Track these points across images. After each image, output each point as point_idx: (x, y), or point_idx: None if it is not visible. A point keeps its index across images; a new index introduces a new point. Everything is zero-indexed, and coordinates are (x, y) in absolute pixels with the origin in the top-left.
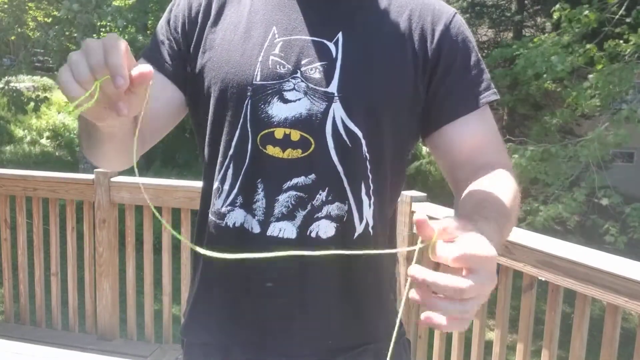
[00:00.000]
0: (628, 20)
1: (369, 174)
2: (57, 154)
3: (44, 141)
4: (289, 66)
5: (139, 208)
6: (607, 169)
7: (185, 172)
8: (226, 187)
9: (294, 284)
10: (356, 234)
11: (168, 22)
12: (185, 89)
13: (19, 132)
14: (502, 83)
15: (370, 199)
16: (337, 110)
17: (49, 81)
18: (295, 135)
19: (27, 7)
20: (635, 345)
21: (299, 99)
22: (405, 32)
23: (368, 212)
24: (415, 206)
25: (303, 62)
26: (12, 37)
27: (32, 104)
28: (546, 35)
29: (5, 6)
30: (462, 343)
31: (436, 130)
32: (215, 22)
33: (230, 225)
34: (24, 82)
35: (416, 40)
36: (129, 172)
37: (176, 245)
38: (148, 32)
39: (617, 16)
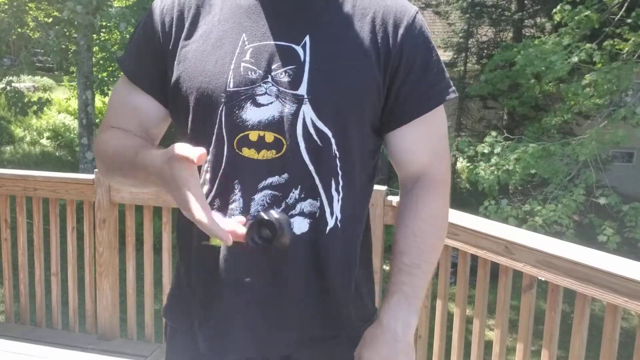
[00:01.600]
0: (629, 21)
1: (339, 170)
2: (57, 154)
3: (44, 141)
4: (260, 71)
5: (139, 208)
6: (606, 169)
7: None
8: (205, 190)
9: (270, 277)
10: (328, 229)
11: (141, 34)
12: (160, 98)
13: (19, 132)
14: (501, 85)
15: (339, 195)
16: (307, 112)
17: (49, 81)
18: (269, 137)
19: (27, 8)
20: (635, 345)
21: (271, 103)
22: (369, 34)
23: (337, 207)
24: None
25: (273, 66)
26: (13, 37)
27: (34, 107)
28: (546, 36)
29: (6, 6)
30: (462, 343)
31: (392, 131)
32: (189, 34)
33: None
34: (25, 83)
35: (379, 42)
36: None
37: (176, 245)
38: None
39: (617, 17)
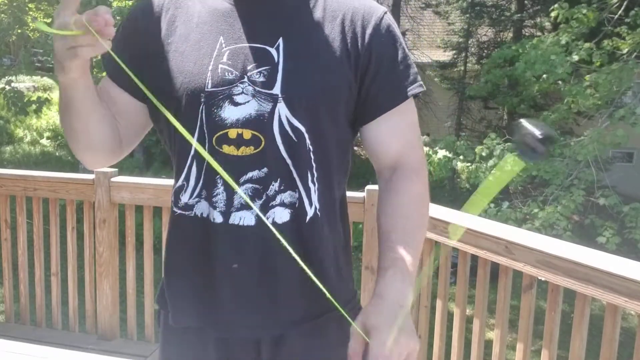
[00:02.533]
0: (627, 20)
1: (313, 163)
2: (57, 154)
3: (44, 141)
4: (237, 72)
5: (139, 208)
6: (607, 169)
7: None
8: (191, 183)
9: (258, 263)
10: (308, 218)
11: (121, 36)
12: (139, 97)
13: (19, 132)
14: (501, 82)
15: (315, 185)
16: (282, 110)
17: (49, 81)
18: (247, 134)
19: (27, 8)
20: (635, 345)
21: (248, 102)
22: (339, 35)
23: (315, 197)
24: None
25: (249, 67)
26: (13, 38)
27: (34, 106)
28: (545, 35)
29: (5, 7)
30: (462, 343)
31: (365, 124)
32: (168, 35)
33: (199, 215)
34: (25, 82)
35: (349, 42)
36: (129, 172)
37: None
38: None
39: (616, 16)
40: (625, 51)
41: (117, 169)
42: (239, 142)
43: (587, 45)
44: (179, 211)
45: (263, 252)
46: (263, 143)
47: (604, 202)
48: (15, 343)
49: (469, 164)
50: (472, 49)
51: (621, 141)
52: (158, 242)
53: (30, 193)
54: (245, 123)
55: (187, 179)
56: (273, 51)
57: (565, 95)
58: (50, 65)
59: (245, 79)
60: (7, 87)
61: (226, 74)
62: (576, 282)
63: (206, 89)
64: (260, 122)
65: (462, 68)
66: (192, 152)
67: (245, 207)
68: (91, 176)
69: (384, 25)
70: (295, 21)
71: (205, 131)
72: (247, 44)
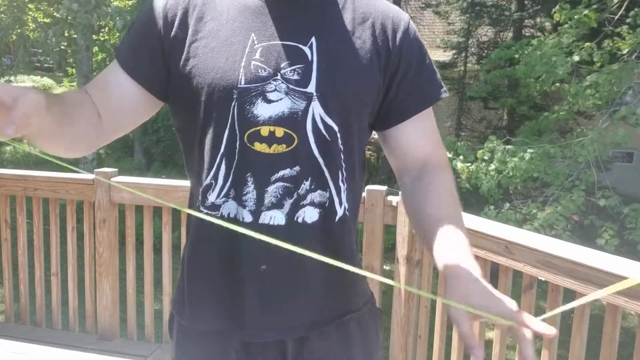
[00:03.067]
0: (628, 20)
1: (343, 163)
2: None
3: None
4: (270, 69)
5: (139, 208)
6: (607, 169)
7: (185, 172)
8: (219, 182)
9: (286, 265)
10: (337, 217)
11: (142, 28)
12: (159, 91)
13: None
14: (502, 83)
15: (344, 185)
16: (316, 108)
17: (49, 81)
18: (280, 132)
19: (27, 9)
20: (635, 345)
21: (281, 99)
22: (370, 38)
23: (344, 197)
24: None
25: (282, 65)
26: (12, 38)
27: None
28: (546, 36)
29: (5, 7)
30: (462, 343)
31: (394, 126)
32: (196, 31)
33: (225, 215)
34: (24, 82)
35: (379, 44)
36: (129, 172)
37: (176, 245)
38: None
39: (616, 16)
40: (625, 51)
41: (117, 169)
42: (271, 139)
43: (587, 45)
44: (205, 211)
45: (291, 253)
46: (295, 141)
47: (604, 203)
48: (15, 343)
49: (469, 164)
50: (472, 49)
51: (622, 141)
52: (158, 242)
53: (30, 193)
54: (278, 121)
55: (215, 177)
56: (307, 50)
57: (565, 95)
58: (50, 65)
59: (279, 77)
60: None
61: (259, 70)
62: (576, 282)
63: (239, 85)
64: (293, 120)
65: (462, 68)
66: (222, 150)
67: (275, 206)
68: (91, 176)
69: (411, 31)
70: (327, 21)
71: (237, 128)
72: (280, 42)
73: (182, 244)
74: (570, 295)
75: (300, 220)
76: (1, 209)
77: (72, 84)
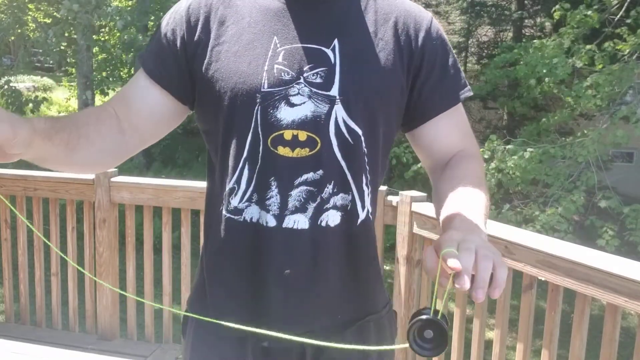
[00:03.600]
0: (628, 21)
1: (367, 166)
2: None
3: None
4: (293, 73)
5: (139, 208)
6: (607, 169)
7: (185, 172)
8: (242, 186)
9: (309, 269)
10: (359, 221)
11: (165, 34)
12: (184, 97)
13: None
14: (502, 83)
15: (368, 189)
16: (339, 111)
17: (49, 81)
18: (303, 135)
19: (27, 9)
20: (635, 345)
21: (304, 103)
22: (392, 38)
23: (367, 200)
24: (415, 206)
25: (305, 68)
26: (12, 38)
27: (30, 104)
28: (547, 38)
29: (5, 7)
30: (462, 343)
31: (421, 125)
32: (218, 35)
33: (248, 220)
34: (24, 82)
35: (402, 44)
36: (129, 171)
37: (176, 245)
38: (148, 32)
39: (617, 17)
40: (626, 52)
41: (117, 169)
42: (294, 143)
43: (588, 47)
44: (228, 215)
45: (314, 257)
46: (319, 145)
47: (605, 204)
48: (15, 343)
49: None
50: (472, 49)
51: (622, 141)
52: (158, 242)
53: (30, 193)
54: (301, 124)
55: (238, 181)
56: (329, 52)
57: (566, 95)
58: (50, 65)
59: (302, 80)
60: (5, 87)
61: (282, 74)
62: (576, 282)
63: (262, 89)
64: (316, 124)
65: (462, 68)
66: (245, 154)
67: (299, 210)
68: (91, 176)
69: (434, 29)
70: (349, 22)
71: (260, 132)
72: (302, 44)
73: (181, 243)
74: (570, 295)
75: (323, 224)
76: (1, 209)
77: (72, 83)
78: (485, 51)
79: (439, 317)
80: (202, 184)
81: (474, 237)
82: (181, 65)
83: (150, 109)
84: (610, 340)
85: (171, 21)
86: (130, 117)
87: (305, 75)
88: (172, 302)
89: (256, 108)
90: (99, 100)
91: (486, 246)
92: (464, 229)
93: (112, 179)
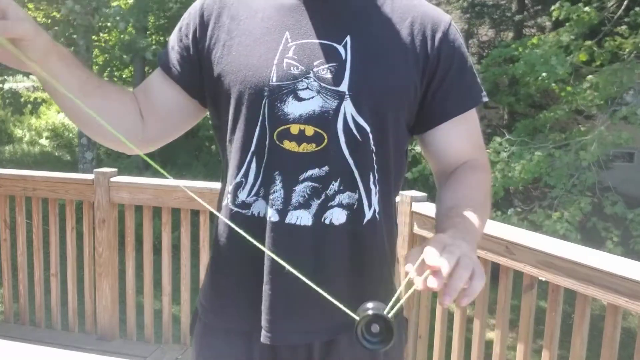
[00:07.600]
0: (627, 19)
1: (375, 165)
2: (56, 153)
3: (43, 141)
4: (302, 67)
5: (138, 208)
6: (608, 168)
7: (184, 172)
8: (250, 180)
9: (310, 267)
10: (365, 220)
11: (180, 29)
12: (196, 92)
13: (18, 132)
14: (501, 80)
15: (376, 187)
16: (348, 108)
17: None
18: (310, 130)
19: (26, 9)
20: (635, 346)
21: (312, 97)
22: (407, 37)
23: (375, 200)
24: (415, 206)
25: (315, 63)
26: None
27: (29, 106)
28: (545, 35)
29: None
30: (462, 343)
31: (431, 128)
32: (230, 30)
33: (256, 214)
34: (24, 82)
35: (418, 45)
36: (128, 171)
37: (176, 246)
38: (148, 32)
39: (616, 15)
40: (626, 51)
41: (116, 169)
42: (300, 138)
43: (588, 43)
44: (235, 209)
45: (317, 254)
46: (325, 141)
47: (611, 211)
48: (14, 343)
49: None
50: (473, 49)
51: (624, 142)
52: (158, 242)
53: (29, 193)
54: (308, 119)
55: (245, 175)
56: (340, 48)
57: (566, 96)
58: None
59: (311, 75)
60: (5, 88)
61: (291, 68)
62: (577, 282)
63: (270, 83)
64: (323, 119)
65: None
66: (253, 147)
67: (302, 206)
68: (90, 176)
69: (452, 32)
70: (363, 19)
71: (267, 125)
72: (314, 40)
73: (181, 243)
74: (571, 295)
75: (327, 221)
76: (1, 209)
77: None
78: (486, 51)
79: (387, 312)
80: (203, 184)
81: (462, 244)
82: (192, 59)
83: (164, 101)
84: (610, 340)
85: (187, 16)
86: (148, 107)
87: (315, 70)
88: (171, 303)
89: (264, 101)
90: None
91: (469, 256)
92: (456, 236)
93: (112, 179)
